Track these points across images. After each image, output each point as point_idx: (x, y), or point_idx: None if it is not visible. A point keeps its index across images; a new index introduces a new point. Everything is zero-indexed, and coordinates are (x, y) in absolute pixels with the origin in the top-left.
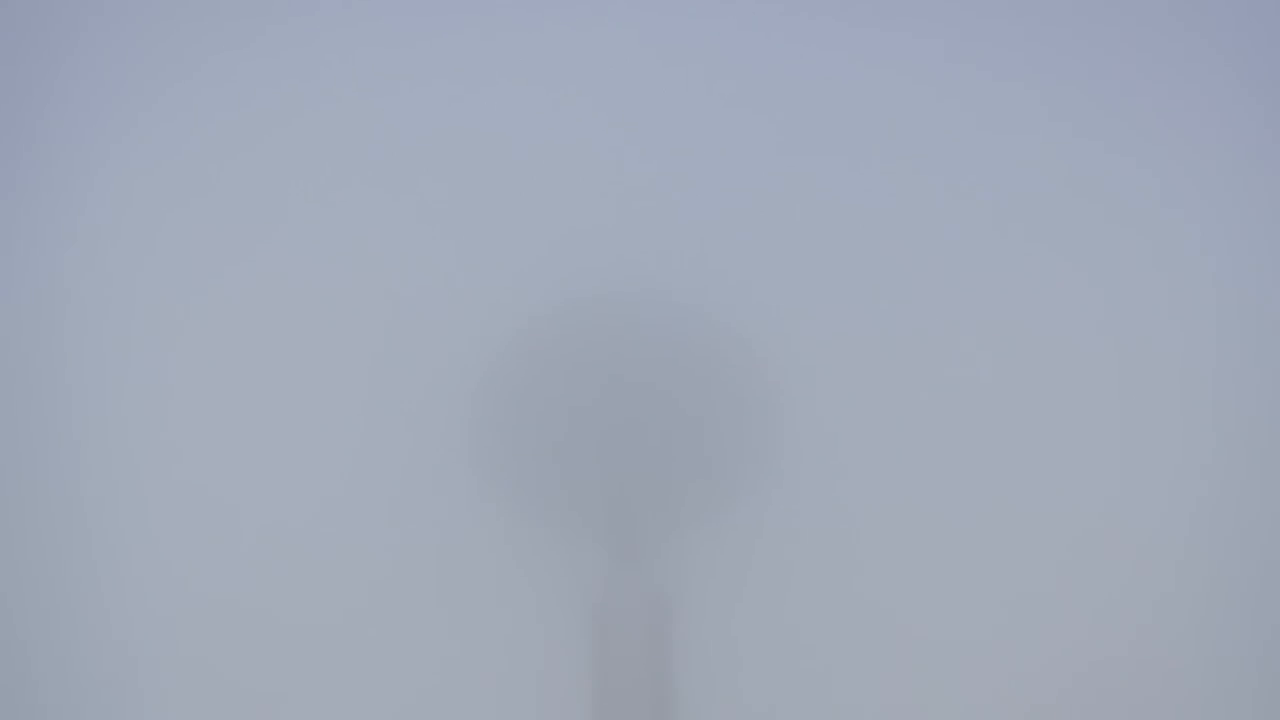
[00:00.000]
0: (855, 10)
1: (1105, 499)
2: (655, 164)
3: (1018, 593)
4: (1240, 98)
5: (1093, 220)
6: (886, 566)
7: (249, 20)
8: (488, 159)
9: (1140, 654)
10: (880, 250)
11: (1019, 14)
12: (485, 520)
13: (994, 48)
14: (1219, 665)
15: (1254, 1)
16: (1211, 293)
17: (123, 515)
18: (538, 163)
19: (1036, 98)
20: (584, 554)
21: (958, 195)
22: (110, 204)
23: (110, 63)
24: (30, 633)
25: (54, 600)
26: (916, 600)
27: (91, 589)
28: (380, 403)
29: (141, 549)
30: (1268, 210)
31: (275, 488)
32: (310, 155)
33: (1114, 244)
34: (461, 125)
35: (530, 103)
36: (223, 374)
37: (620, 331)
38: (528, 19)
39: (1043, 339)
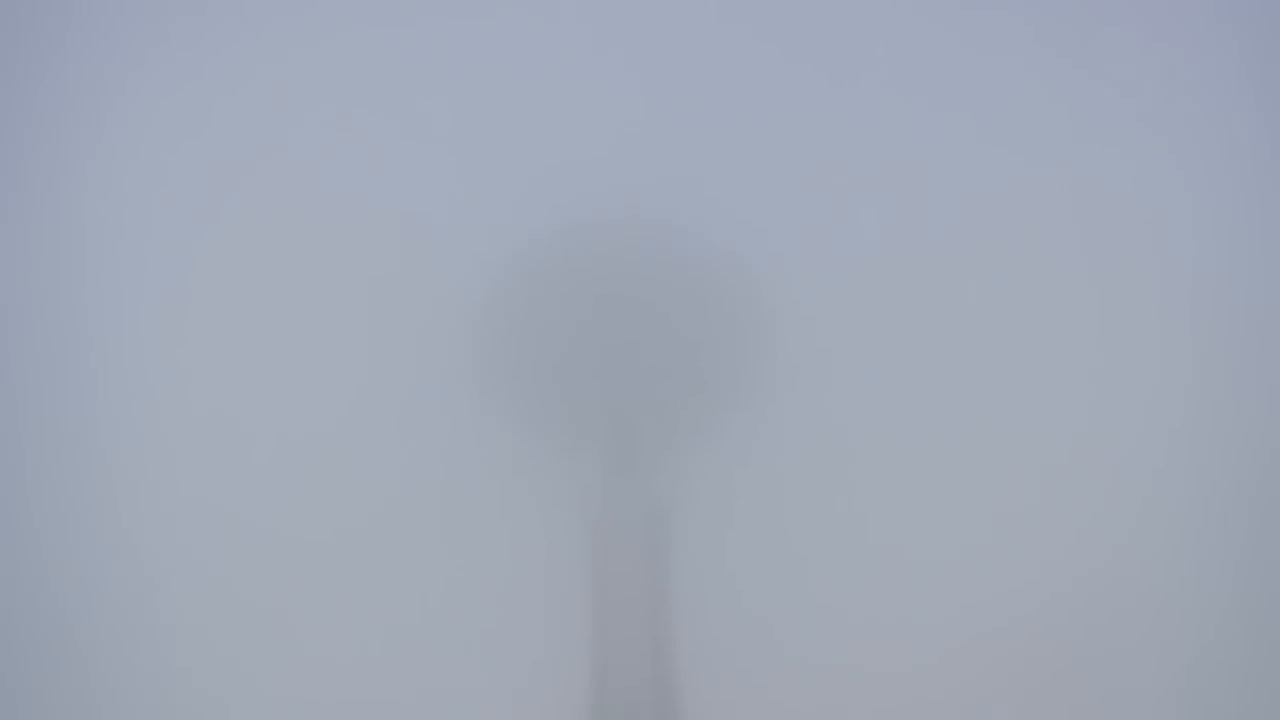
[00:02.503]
0: None
1: (1087, 416)
2: (654, 90)
3: (1001, 504)
4: (1217, 24)
5: (1075, 142)
6: (875, 479)
7: None
8: (488, 85)
9: (1120, 566)
10: (871, 172)
11: None
12: (488, 436)
13: None
14: (1197, 579)
15: None
16: (1188, 212)
17: (139, 432)
18: (538, 88)
19: (1022, 23)
20: (583, 468)
21: (945, 119)
22: (126, 127)
23: None
24: (48, 550)
25: (71, 517)
26: (904, 512)
27: (109, 505)
28: (386, 323)
29: (157, 465)
30: (1243, 131)
31: (286, 405)
32: (316, 82)
33: (1095, 165)
34: (463, 51)
35: (530, 28)
36: (233, 296)
37: (619, 253)
38: None
39: (1027, 260)
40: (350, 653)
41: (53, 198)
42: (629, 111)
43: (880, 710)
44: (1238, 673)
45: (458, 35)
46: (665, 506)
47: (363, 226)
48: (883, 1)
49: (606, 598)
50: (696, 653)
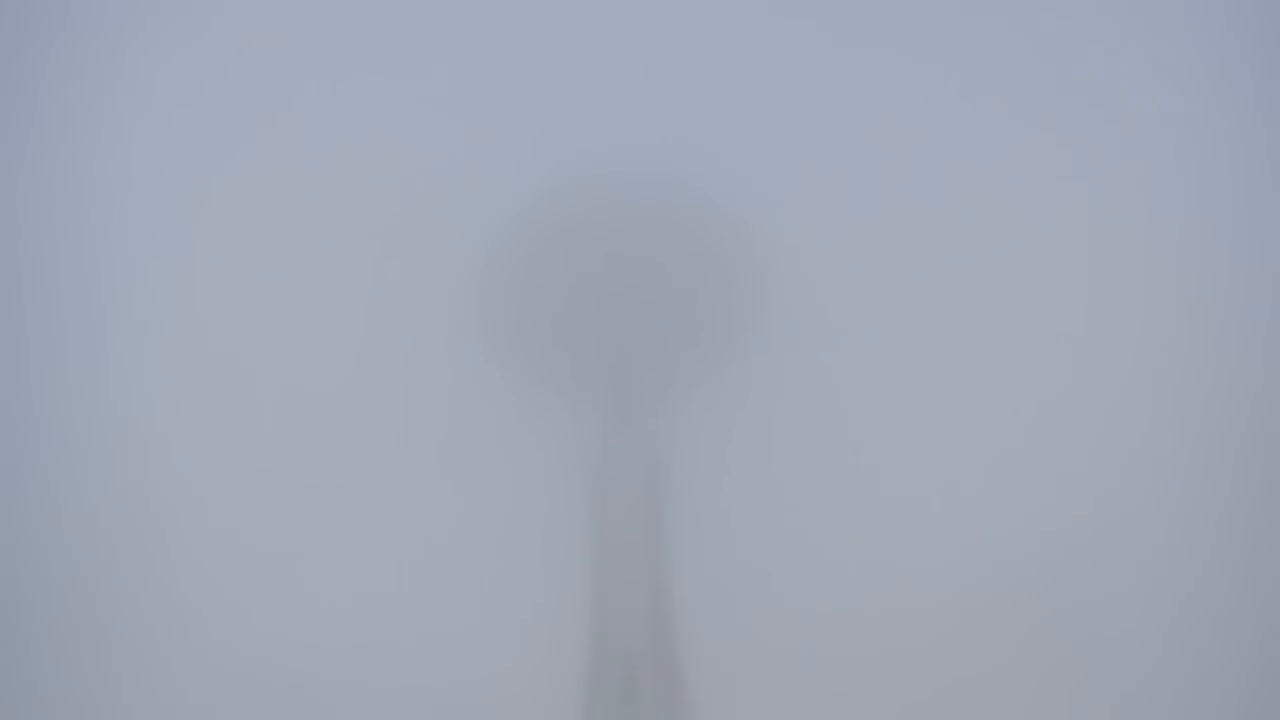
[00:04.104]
0: None
1: (1076, 366)
2: (655, 47)
3: (994, 451)
4: None
5: (1066, 104)
6: (869, 427)
7: None
8: (491, 41)
9: (1109, 511)
10: (867, 130)
11: None
12: (490, 385)
13: None
14: (1184, 524)
15: None
16: (1174, 165)
17: (149, 387)
18: (540, 45)
19: None
20: (583, 418)
21: (940, 79)
22: (133, 91)
23: None
24: (62, 502)
25: (84, 469)
26: (898, 459)
27: (120, 454)
28: (391, 275)
29: (167, 418)
30: (1231, 92)
31: (294, 358)
32: (318, 39)
33: (1085, 125)
34: (467, 7)
35: None
36: (241, 252)
37: (620, 207)
38: None
39: (1019, 213)
40: (356, 598)
41: (64, 154)
42: (630, 68)
43: (875, 652)
44: (1225, 612)
45: None
46: (663, 455)
47: (368, 181)
48: None
49: (606, 544)
50: (694, 597)
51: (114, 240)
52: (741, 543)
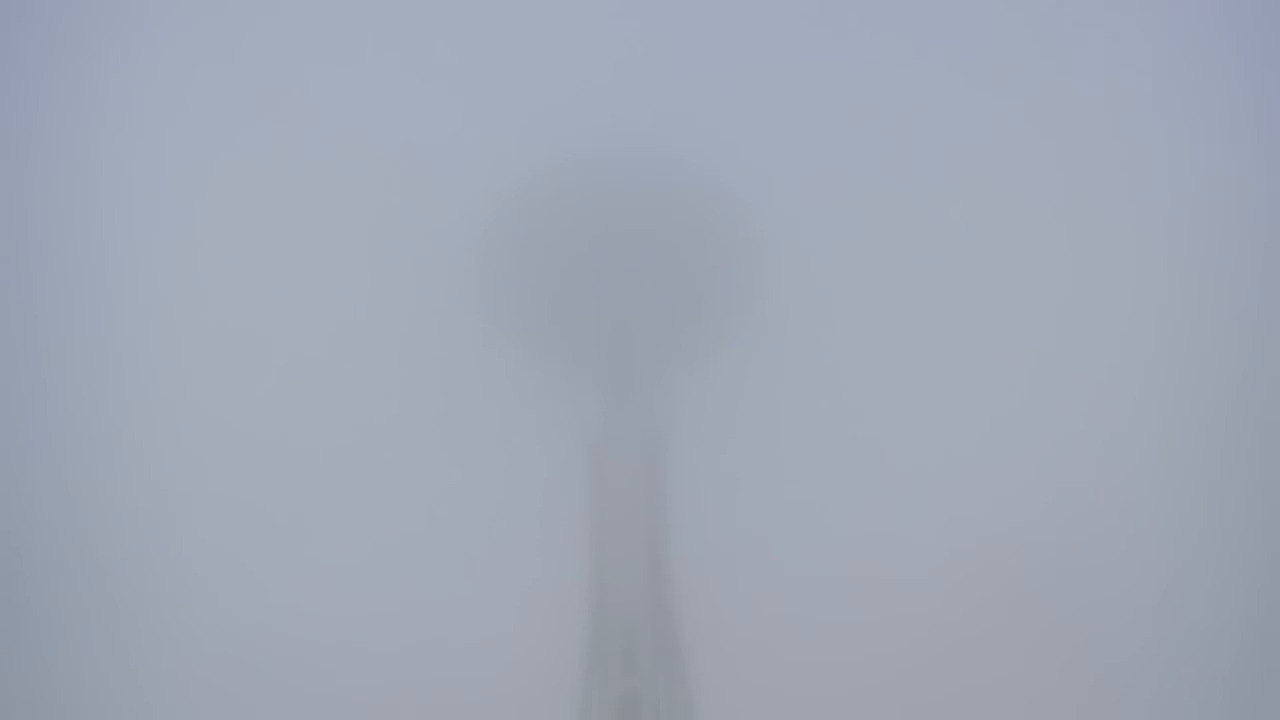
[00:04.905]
0: None
1: (1072, 336)
2: (654, 22)
3: (991, 422)
4: None
5: (1062, 88)
6: (867, 401)
7: None
8: (491, 19)
9: (1104, 480)
10: (862, 103)
11: None
12: (490, 362)
13: None
14: (1179, 491)
15: None
16: (1166, 152)
17: (153, 364)
18: (539, 22)
19: None
20: (583, 395)
21: (938, 57)
22: (142, 64)
23: None
24: (65, 466)
25: (88, 434)
26: (896, 433)
27: (122, 419)
28: (391, 251)
29: (172, 394)
30: (1219, 71)
31: (295, 333)
32: (317, 18)
33: (1076, 107)
34: None
35: None
36: (241, 233)
37: (619, 182)
38: None
39: (1015, 186)
40: (357, 572)
41: (68, 139)
42: (629, 43)
43: (874, 625)
44: (1216, 583)
45: None
46: (663, 430)
47: (369, 155)
48: None
49: (605, 518)
50: (693, 571)
51: (118, 214)
52: (740, 517)
